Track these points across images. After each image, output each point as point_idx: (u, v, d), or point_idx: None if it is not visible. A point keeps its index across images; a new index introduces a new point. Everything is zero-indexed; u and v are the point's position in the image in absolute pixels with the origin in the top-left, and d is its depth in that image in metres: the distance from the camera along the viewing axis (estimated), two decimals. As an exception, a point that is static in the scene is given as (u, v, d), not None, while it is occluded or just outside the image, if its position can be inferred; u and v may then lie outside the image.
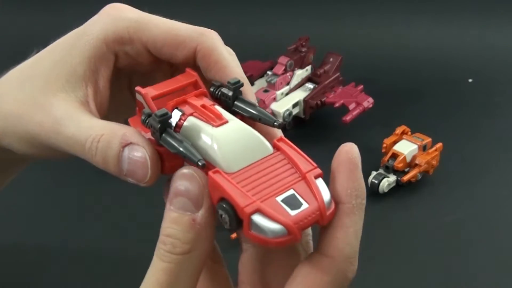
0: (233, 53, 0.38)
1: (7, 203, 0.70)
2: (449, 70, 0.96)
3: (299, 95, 0.81)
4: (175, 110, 0.32)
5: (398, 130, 0.73)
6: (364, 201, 0.30)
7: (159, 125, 0.30)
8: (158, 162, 0.32)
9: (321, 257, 0.30)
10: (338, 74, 0.83)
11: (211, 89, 0.34)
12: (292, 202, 0.28)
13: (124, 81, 0.40)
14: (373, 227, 0.67)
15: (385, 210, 0.69)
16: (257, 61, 0.88)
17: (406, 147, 0.70)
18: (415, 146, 0.70)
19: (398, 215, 0.68)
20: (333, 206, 0.29)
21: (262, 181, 0.29)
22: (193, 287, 0.31)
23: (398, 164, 0.69)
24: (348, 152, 0.30)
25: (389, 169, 0.70)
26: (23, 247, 0.63)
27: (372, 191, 0.70)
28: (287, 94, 0.81)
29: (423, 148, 0.71)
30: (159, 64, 0.38)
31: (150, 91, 0.33)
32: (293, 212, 0.28)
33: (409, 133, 0.73)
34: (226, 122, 0.31)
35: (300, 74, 0.82)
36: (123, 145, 0.32)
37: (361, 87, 0.82)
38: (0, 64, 0.41)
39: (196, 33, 0.36)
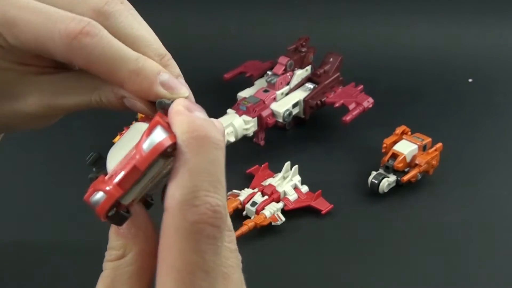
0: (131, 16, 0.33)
1: (6, 203, 0.70)
2: (449, 70, 0.96)
3: (299, 95, 0.81)
4: None
5: (398, 130, 0.73)
6: (198, 133, 0.28)
7: (90, 166, 0.32)
8: None
9: (164, 214, 0.28)
10: (338, 74, 0.83)
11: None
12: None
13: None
14: (373, 227, 0.68)
15: (385, 210, 0.69)
16: (257, 61, 0.88)
17: (406, 147, 0.70)
18: (415, 146, 0.70)
19: (398, 215, 0.68)
20: (156, 146, 0.28)
21: (119, 165, 0.29)
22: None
23: (398, 164, 0.69)
24: (173, 105, 0.30)
25: (389, 169, 0.70)
26: (23, 247, 0.63)
27: (372, 191, 0.70)
28: (287, 94, 0.80)
29: (423, 148, 0.71)
30: None
31: None
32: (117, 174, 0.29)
33: (409, 133, 0.73)
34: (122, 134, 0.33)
35: (300, 74, 0.82)
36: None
37: (361, 87, 0.82)
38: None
39: (63, 45, 0.30)
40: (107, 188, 0.28)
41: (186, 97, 0.31)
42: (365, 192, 0.70)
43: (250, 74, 0.85)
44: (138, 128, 0.31)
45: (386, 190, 0.70)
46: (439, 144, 0.72)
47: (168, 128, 0.29)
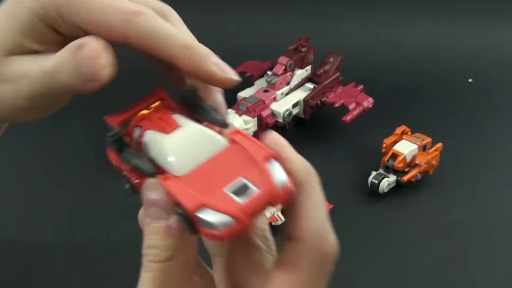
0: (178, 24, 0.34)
1: (6, 202, 0.70)
2: (449, 70, 0.96)
3: (299, 95, 0.81)
4: (136, 128, 0.32)
5: (398, 130, 0.73)
6: (312, 172, 0.31)
7: (112, 145, 0.30)
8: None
9: (292, 243, 0.29)
10: (338, 74, 0.83)
11: (181, 97, 0.33)
12: (241, 190, 0.28)
13: None
14: (373, 227, 0.68)
15: (385, 210, 0.69)
16: (257, 61, 0.88)
17: (406, 147, 0.70)
18: (415, 146, 0.70)
19: (398, 215, 0.68)
20: (289, 186, 0.28)
21: (211, 176, 0.29)
22: None
23: (398, 164, 0.69)
24: (272, 138, 0.31)
25: (389, 169, 0.70)
26: (23, 247, 0.63)
27: (372, 191, 0.70)
28: (287, 94, 0.81)
29: (423, 148, 0.71)
30: None
31: (115, 118, 0.32)
32: (240, 200, 0.27)
33: (409, 133, 0.73)
34: (178, 127, 0.31)
35: (300, 74, 0.82)
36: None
37: (361, 87, 0.82)
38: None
39: (121, 20, 0.31)
40: (237, 214, 0.27)
41: (238, 81, 0.32)
42: (365, 192, 0.70)
43: (250, 74, 0.85)
44: (205, 132, 0.30)
45: (386, 190, 0.70)
46: (439, 144, 0.72)
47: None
